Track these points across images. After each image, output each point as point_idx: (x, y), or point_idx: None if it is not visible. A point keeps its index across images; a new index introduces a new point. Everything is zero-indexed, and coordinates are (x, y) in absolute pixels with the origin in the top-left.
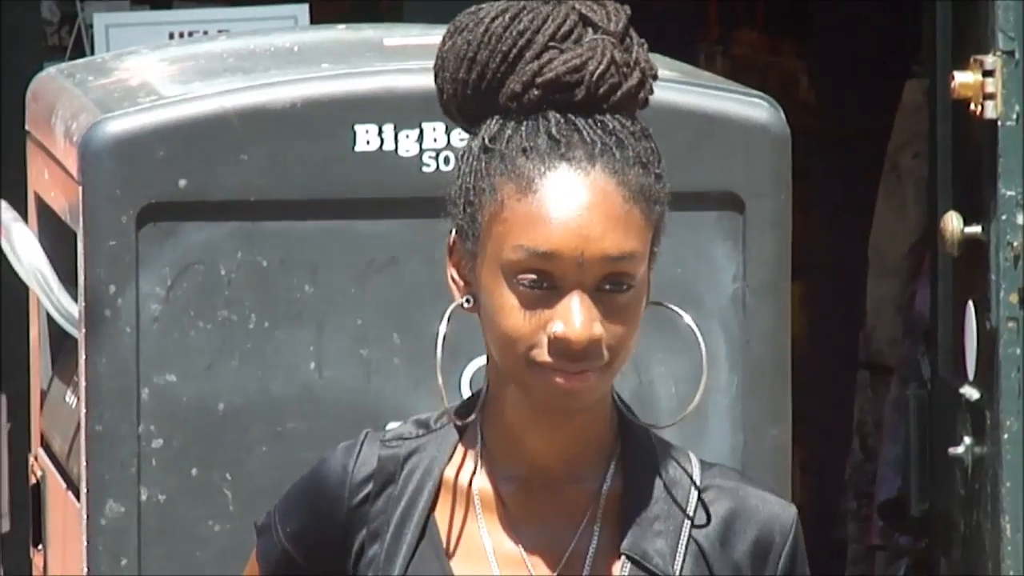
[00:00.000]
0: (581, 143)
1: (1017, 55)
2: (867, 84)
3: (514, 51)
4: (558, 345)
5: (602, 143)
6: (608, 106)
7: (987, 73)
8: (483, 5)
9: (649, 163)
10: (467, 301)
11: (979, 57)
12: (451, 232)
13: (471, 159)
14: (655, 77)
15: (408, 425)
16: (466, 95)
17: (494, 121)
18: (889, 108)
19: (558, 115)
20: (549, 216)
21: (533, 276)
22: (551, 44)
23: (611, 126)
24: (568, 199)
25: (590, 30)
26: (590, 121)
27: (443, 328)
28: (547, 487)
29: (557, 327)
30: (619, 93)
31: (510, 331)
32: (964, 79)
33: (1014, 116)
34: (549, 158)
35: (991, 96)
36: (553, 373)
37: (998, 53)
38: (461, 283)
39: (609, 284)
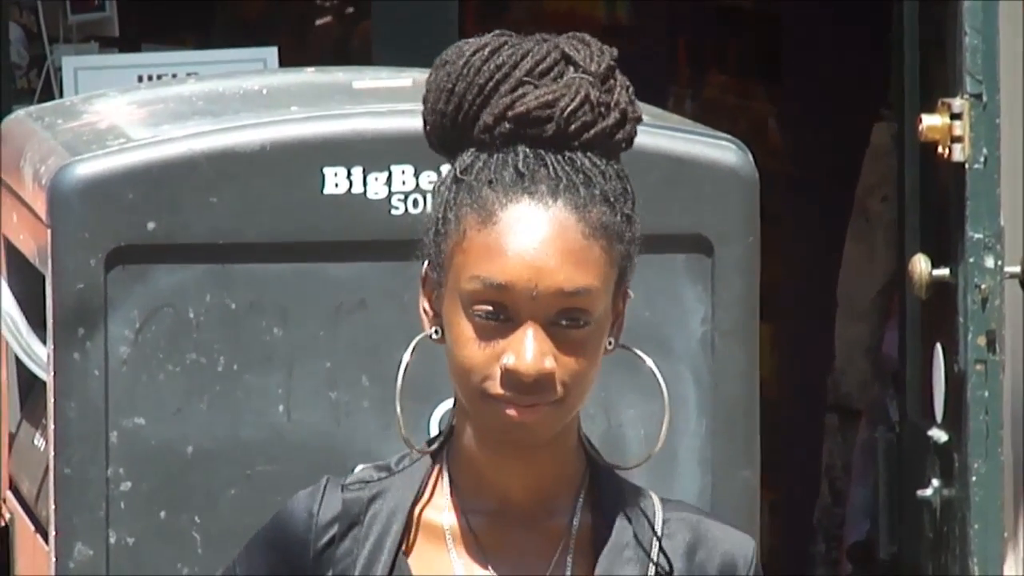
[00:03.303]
0: (546, 178)
1: (984, 98)
2: (836, 127)
3: (490, 84)
4: (509, 377)
5: (567, 179)
6: (580, 143)
7: (955, 116)
8: (470, 39)
9: (616, 202)
10: (435, 332)
11: (947, 100)
12: (424, 263)
13: (444, 189)
14: (639, 120)
15: (369, 469)
16: (444, 126)
17: (468, 153)
18: (858, 151)
19: (527, 149)
20: (505, 248)
21: (488, 307)
22: (526, 79)
23: (579, 163)
24: (526, 232)
25: (571, 68)
26: (559, 157)
27: (407, 357)
28: (518, 521)
29: (508, 359)
30: (592, 131)
31: (465, 362)
32: (932, 122)
33: (982, 159)
34: (512, 190)
35: (959, 139)
36: (505, 405)
37: (966, 96)
38: (431, 314)
39: (564, 319)
